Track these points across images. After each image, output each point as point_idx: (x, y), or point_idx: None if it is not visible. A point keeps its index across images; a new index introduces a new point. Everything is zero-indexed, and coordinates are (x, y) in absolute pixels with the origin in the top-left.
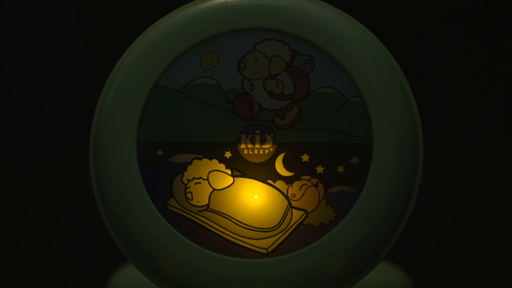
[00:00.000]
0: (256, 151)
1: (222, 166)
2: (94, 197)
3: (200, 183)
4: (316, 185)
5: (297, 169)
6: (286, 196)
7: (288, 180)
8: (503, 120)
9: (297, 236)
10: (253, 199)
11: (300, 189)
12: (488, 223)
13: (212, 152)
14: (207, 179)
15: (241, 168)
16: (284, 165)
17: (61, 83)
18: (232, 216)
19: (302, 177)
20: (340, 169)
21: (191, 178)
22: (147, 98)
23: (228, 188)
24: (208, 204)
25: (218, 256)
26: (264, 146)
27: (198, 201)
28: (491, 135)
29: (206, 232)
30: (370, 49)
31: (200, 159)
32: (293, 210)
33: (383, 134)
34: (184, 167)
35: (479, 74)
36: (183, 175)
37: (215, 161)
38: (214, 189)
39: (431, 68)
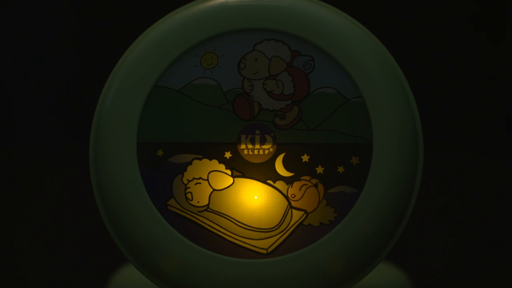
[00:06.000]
0: (256, 152)
1: (222, 167)
2: (94, 197)
3: (200, 183)
4: (316, 186)
5: (297, 170)
6: (286, 197)
7: (288, 181)
8: (504, 120)
9: (297, 236)
10: (253, 199)
11: (300, 189)
12: (488, 223)
13: (212, 152)
14: (207, 180)
15: (241, 169)
16: (284, 165)
17: (61, 83)
18: (232, 216)
19: (302, 178)
20: (340, 169)
21: (191, 179)
22: (147, 98)
23: (228, 188)
24: (208, 205)
25: (218, 256)
26: (264, 147)
27: (198, 202)
28: (491, 135)
29: (206, 233)
30: (370, 49)
31: (200, 159)
32: (293, 210)
33: (383, 134)
34: (184, 167)
35: (479, 74)
36: (183, 175)
37: (215, 162)
38: (214, 190)
39: (431, 68)
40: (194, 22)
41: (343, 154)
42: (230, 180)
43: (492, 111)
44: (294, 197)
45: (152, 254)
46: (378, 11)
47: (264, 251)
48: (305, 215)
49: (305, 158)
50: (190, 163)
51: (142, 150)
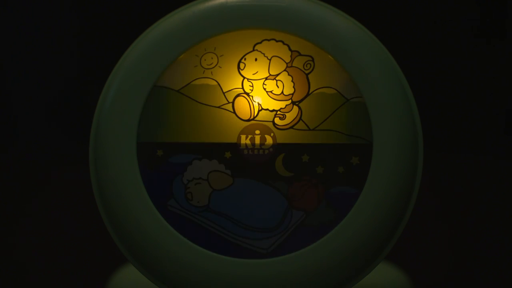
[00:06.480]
0: (256, 152)
1: (222, 167)
2: (94, 197)
3: (200, 183)
4: (316, 186)
5: (297, 170)
6: (286, 197)
7: (288, 181)
8: (503, 120)
9: (297, 236)
10: (253, 199)
11: (300, 189)
12: (488, 223)
13: (212, 152)
14: (207, 180)
15: (241, 169)
16: (284, 165)
17: (61, 83)
18: (232, 216)
19: (302, 178)
20: (340, 169)
21: (191, 179)
22: (147, 98)
23: (228, 188)
24: (208, 205)
25: (218, 256)
26: (264, 147)
27: (198, 202)
28: (491, 135)
29: (206, 232)
30: (370, 50)
31: (200, 159)
32: (293, 210)
33: (383, 134)
34: (184, 167)
35: (479, 74)
36: (183, 176)
37: (215, 162)
38: (214, 190)
39: (431, 68)
40: (194, 22)
41: (343, 154)
42: (230, 180)
43: (492, 111)
44: (294, 197)
45: (152, 254)
46: (378, 11)
47: (264, 251)
48: (305, 215)
49: (305, 158)
50: (190, 163)
51: (142, 150)
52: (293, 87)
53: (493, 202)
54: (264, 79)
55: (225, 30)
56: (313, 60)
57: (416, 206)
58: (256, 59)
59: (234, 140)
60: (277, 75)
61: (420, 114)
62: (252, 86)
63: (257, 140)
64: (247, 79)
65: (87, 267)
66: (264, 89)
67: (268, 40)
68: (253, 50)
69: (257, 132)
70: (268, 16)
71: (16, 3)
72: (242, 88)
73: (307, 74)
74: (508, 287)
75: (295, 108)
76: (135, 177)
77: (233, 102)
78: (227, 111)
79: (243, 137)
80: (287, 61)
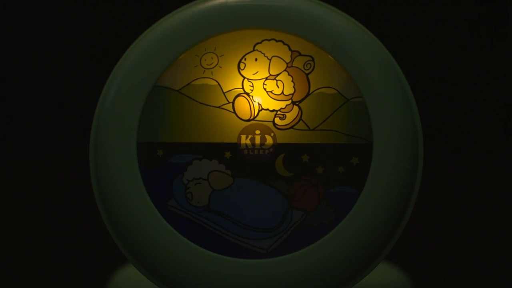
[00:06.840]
0: (256, 152)
1: (222, 167)
2: (94, 197)
3: (200, 183)
4: (316, 186)
5: (297, 170)
6: (286, 197)
7: (288, 181)
8: (504, 120)
9: (297, 236)
10: (253, 199)
11: (300, 189)
12: (488, 223)
13: (212, 152)
14: (207, 180)
15: (241, 169)
16: (284, 165)
17: (61, 83)
18: (232, 216)
19: (302, 178)
20: (340, 169)
21: (191, 179)
22: (147, 98)
23: (228, 188)
24: (208, 205)
25: (218, 256)
26: (264, 147)
27: (198, 202)
28: (491, 135)
29: (206, 233)
30: (370, 50)
31: (200, 159)
32: (293, 210)
33: (383, 134)
34: (184, 167)
35: (479, 74)
36: (183, 176)
37: (215, 162)
38: (214, 190)
39: (431, 68)
40: (194, 22)
41: (343, 154)
42: (230, 180)
43: (492, 111)
44: (294, 197)
45: (152, 254)
46: (378, 11)
47: (264, 251)
48: (305, 215)
49: (305, 158)
50: (190, 163)
51: (142, 150)
52: (293, 87)
53: (493, 202)
54: (264, 79)
55: (225, 30)
56: (313, 60)
57: (416, 206)
58: (256, 59)
59: (234, 140)
60: (277, 75)
61: (420, 114)
62: (252, 86)
63: (257, 140)
64: (247, 79)
65: (87, 267)
66: (264, 89)
67: (268, 40)
68: (253, 50)
69: (257, 132)
70: (268, 16)
71: (16, 3)
72: (242, 88)
73: (307, 74)
74: (508, 287)
75: (295, 108)
76: (135, 177)
77: (233, 102)
78: (227, 111)
79: (243, 137)
80: (287, 61)
